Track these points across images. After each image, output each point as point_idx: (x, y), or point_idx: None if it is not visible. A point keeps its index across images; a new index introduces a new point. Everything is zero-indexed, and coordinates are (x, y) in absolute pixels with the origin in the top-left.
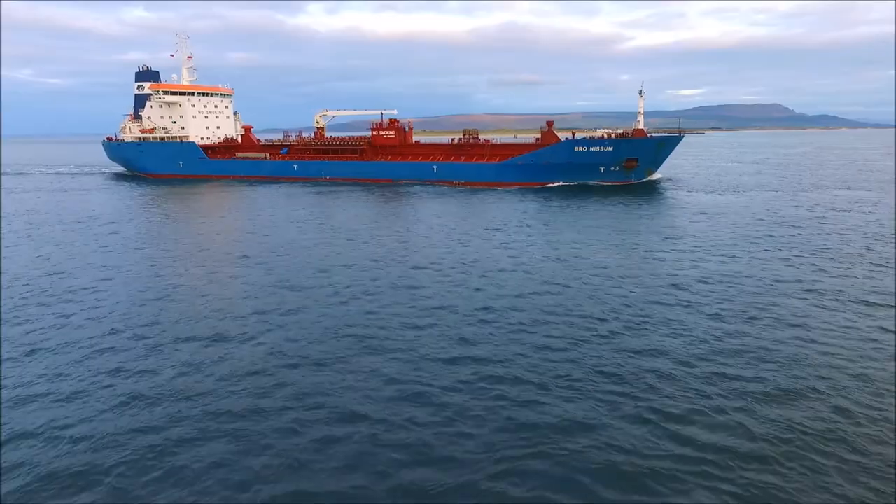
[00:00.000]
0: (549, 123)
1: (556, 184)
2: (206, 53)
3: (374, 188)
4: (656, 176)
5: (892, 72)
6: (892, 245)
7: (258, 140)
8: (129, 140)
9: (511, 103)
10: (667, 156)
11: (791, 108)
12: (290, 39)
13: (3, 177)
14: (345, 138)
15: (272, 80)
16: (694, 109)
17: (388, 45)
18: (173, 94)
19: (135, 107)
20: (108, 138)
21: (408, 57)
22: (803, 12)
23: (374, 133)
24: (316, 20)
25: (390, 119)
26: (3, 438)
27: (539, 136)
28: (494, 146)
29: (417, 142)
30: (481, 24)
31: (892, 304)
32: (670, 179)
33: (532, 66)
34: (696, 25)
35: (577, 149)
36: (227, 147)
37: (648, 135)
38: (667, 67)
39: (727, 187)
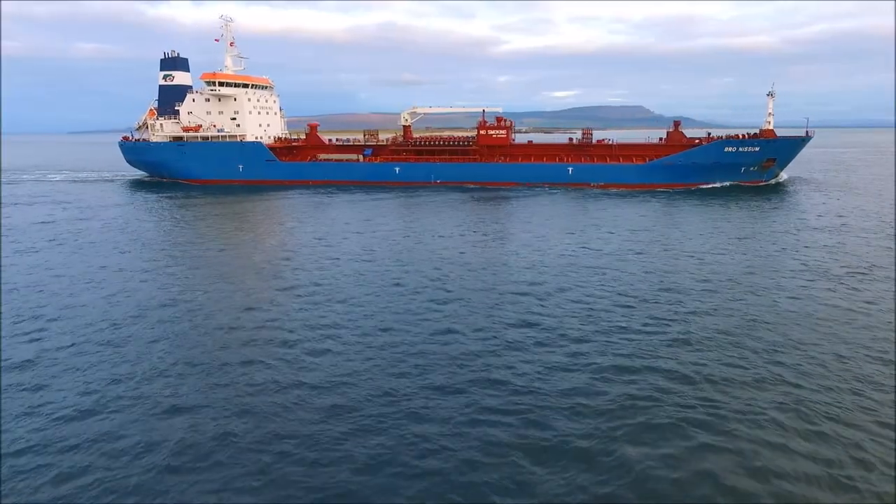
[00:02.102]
0: (676, 123)
1: (702, 185)
2: (45, 44)
3: (505, 193)
4: (783, 177)
5: (731, 79)
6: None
7: (336, 140)
8: (160, 140)
9: (395, 102)
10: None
11: (651, 109)
12: (151, 31)
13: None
14: (447, 137)
15: (132, 75)
16: (569, 110)
17: (262, 41)
18: (230, 85)
19: (160, 100)
20: (124, 138)
21: (284, 54)
22: (651, 23)
23: (482, 132)
24: (180, 12)
25: (497, 116)
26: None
27: (664, 135)
28: (621, 146)
29: (531, 141)
30: (359, 22)
31: None
32: (804, 180)
33: (412, 66)
34: (564, 31)
35: (727, 149)
36: (290, 148)
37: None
38: (541, 70)
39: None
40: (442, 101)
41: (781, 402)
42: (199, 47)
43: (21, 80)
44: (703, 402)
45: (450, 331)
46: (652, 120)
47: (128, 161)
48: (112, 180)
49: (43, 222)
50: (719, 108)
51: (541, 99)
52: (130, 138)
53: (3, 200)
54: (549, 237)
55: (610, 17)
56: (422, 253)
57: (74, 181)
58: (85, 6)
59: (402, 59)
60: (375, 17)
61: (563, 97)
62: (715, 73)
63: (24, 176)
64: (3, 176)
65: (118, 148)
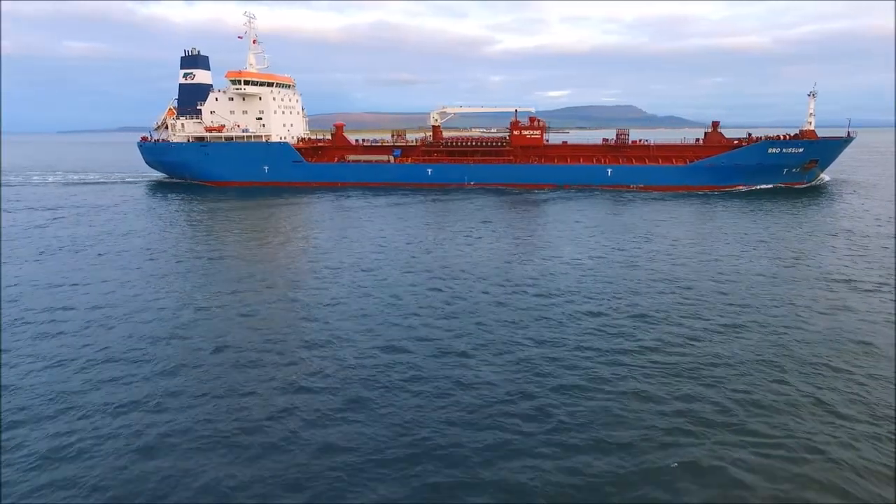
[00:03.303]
0: (715, 124)
1: (745, 187)
2: (33, 42)
3: (543, 196)
4: (824, 178)
5: (722, 79)
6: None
7: (363, 141)
8: (181, 140)
9: (388, 102)
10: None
11: (643, 109)
12: (143, 30)
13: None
14: (479, 137)
15: (125, 74)
16: (562, 109)
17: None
18: (255, 84)
19: (179, 99)
20: (143, 138)
21: (279, 52)
22: (643, 23)
23: (515, 132)
24: (172, 11)
25: (530, 117)
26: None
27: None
28: (658, 147)
29: (565, 142)
30: (353, 21)
31: None
32: (845, 182)
33: (407, 65)
34: (556, 31)
35: (770, 150)
36: (315, 148)
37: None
38: (534, 70)
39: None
40: (438, 101)
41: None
42: (195, 45)
43: (8, 79)
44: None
45: (534, 371)
46: (644, 120)
47: (147, 162)
48: (134, 182)
49: (62, 228)
50: (711, 107)
51: (534, 98)
52: (149, 138)
53: (19, 206)
54: (610, 248)
55: (602, 18)
56: (484, 268)
57: (86, 183)
58: (73, 5)
59: (396, 59)
60: (368, 16)
61: (557, 97)
62: (707, 73)
63: (35, 177)
64: (11, 177)
65: (111, 147)
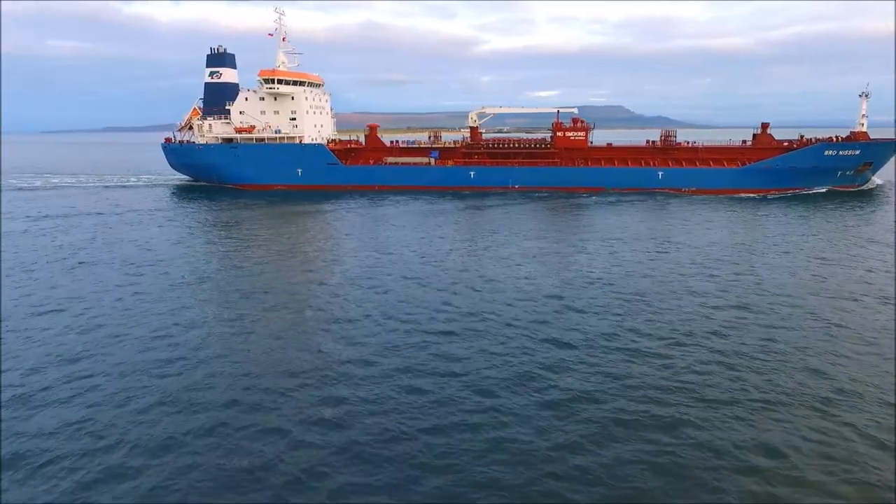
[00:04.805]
0: (765, 126)
1: (800, 190)
2: (16, 41)
3: (590, 200)
4: (875, 182)
5: (710, 79)
6: None
7: (399, 143)
8: (209, 142)
9: (378, 102)
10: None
11: (631, 109)
12: (128, 29)
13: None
14: (520, 140)
15: (110, 73)
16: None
17: (244, 40)
18: (288, 83)
19: (205, 99)
20: (167, 139)
21: (269, 52)
22: (629, 24)
23: (559, 134)
24: (158, 10)
25: (573, 118)
26: None
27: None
28: (707, 149)
29: (610, 144)
30: (340, 21)
31: None
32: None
33: (396, 65)
34: (544, 31)
35: (827, 152)
36: (348, 150)
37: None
38: (523, 70)
39: None
40: (429, 101)
41: None
42: (182, 45)
43: None
44: None
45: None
46: (632, 120)
47: (171, 164)
48: (157, 185)
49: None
50: (700, 108)
51: (524, 98)
52: (173, 140)
53: (37, 213)
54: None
55: (588, 18)
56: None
57: (107, 186)
58: (57, 4)
59: (385, 59)
60: (356, 16)
61: (546, 97)
62: (694, 73)
63: (55, 180)
64: (36, 181)
65: (107, 148)
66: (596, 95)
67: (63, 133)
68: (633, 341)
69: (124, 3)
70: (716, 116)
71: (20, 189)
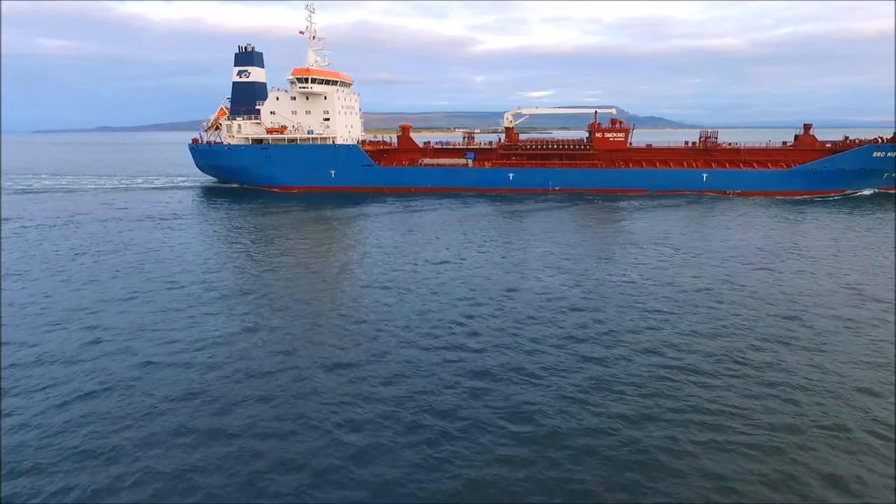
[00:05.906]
0: (807, 127)
1: (846, 192)
2: (6, 39)
3: (632, 201)
4: None
5: (700, 79)
6: None
7: (434, 144)
8: (238, 143)
9: (371, 102)
10: None
11: (626, 109)
12: (120, 28)
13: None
14: (558, 140)
15: (101, 73)
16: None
17: (236, 39)
18: (321, 82)
19: (233, 98)
20: (194, 140)
21: (269, 52)
22: (623, 24)
23: (597, 135)
24: (150, 9)
25: (612, 118)
26: None
27: (792, 139)
28: (749, 151)
29: (649, 144)
30: (333, 21)
31: None
32: None
33: (388, 65)
34: (538, 32)
35: (875, 154)
36: (381, 151)
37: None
38: (517, 70)
39: None
40: (422, 101)
41: None
42: (173, 44)
43: None
44: None
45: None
46: (626, 120)
47: (199, 166)
48: (188, 187)
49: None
50: (692, 108)
51: (517, 98)
52: (200, 140)
53: (67, 215)
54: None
55: (583, 18)
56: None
57: (128, 188)
58: (49, 4)
59: (378, 59)
60: (349, 16)
61: (540, 97)
62: (687, 73)
63: (83, 183)
64: (64, 182)
65: (104, 150)
66: (590, 95)
67: (56, 133)
68: (702, 365)
69: (117, 2)
70: (708, 116)
71: (33, 192)
